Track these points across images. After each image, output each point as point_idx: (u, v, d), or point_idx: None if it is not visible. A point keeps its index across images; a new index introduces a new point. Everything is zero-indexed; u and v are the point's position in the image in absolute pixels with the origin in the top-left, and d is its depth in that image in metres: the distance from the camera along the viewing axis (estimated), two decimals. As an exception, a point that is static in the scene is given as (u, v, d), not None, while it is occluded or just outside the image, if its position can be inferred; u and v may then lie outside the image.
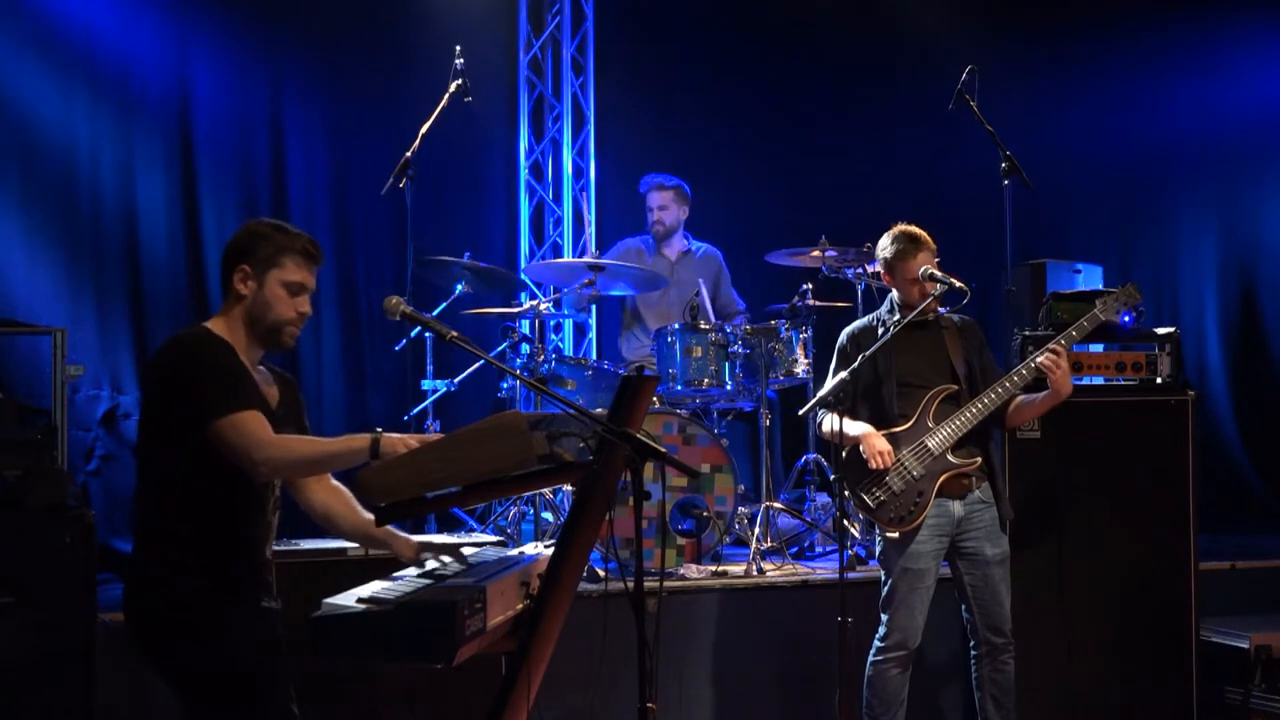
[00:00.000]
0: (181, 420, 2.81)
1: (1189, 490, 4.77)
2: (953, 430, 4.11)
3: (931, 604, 4.20)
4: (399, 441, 2.77)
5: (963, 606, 4.28)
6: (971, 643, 4.29)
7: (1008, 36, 7.37)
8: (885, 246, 4.24)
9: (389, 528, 3.10)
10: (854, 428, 4.14)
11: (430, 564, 3.04)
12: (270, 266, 2.96)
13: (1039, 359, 4.08)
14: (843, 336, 4.37)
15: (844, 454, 4.16)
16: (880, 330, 4.25)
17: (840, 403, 4.10)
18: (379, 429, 2.82)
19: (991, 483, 4.24)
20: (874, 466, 4.08)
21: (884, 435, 4.14)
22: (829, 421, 4.17)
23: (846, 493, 4.17)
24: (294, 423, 3.07)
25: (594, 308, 6.40)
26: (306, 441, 2.94)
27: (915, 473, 4.11)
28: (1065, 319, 4.79)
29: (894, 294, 4.34)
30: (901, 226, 4.25)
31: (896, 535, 4.13)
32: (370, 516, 3.07)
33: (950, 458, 4.13)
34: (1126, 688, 4.77)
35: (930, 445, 4.11)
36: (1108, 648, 4.75)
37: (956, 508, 4.17)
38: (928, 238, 4.22)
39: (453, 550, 3.09)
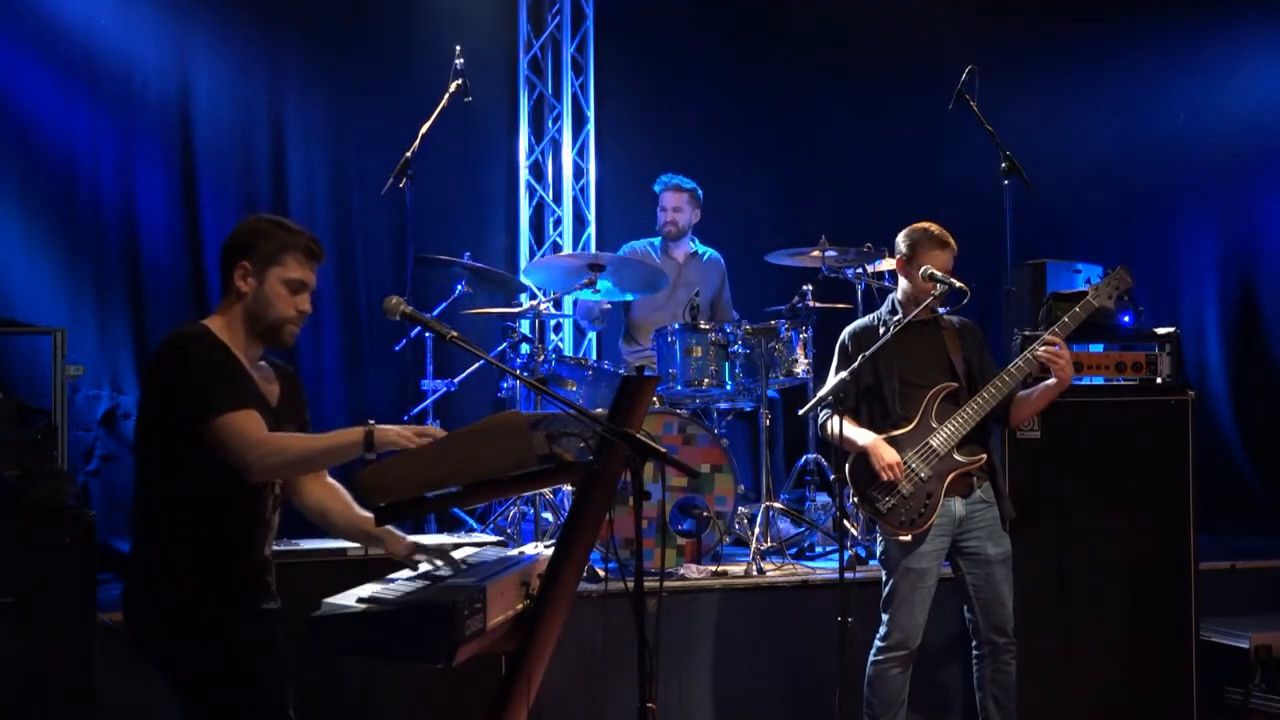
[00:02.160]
0: (177, 419, 2.80)
1: (1189, 490, 4.77)
2: (955, 428, 4.11)
3: (933, 604, 4.20)
4: (393, 433, 2.74)
5: (965, 607, 4.28)
6: (973, 643, 4.28)
7: (1008, 36, 7.37)
8: (910, 237, 4.24)
9: (385, 525, 3.09)
10: (859, 436, 4.14)
11: (424, 566, 3.02)
12: (271, 264, 2.95)
13: (1039, 351, 4.09)
14: (844, 335, 4.37)
15: (849, 461, 4.16)
16: (881, 330, 4.25)
17: (841, 402, 4.09)
18: (371, 420, 2.79)
19: (992, 482, 4.24)
20: (886, 479, 4.08)
21: (888, 439, 4.14)
22: (831, 425, 4.16)
23: (853, 498, 4.17)
24: (294, 419, 3.06)
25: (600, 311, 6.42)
26: (300, 439, 2.90)
27: (923, 474, 4.11)
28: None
29: (895, 294, 4.35)
30: (929, 224, 4.25)
31: (909, 538, 4.13)
32: (366, 514, 3.07)
33: (956, 456, 4.13)
34: (1126, 688, 4.77)
35: (934, 445, 4.11)
36: (1108, 647, 4.75)
37: (958, 507, 4.17)
38: (952, 242, 4.23)
39: (445, 553, 3.05)
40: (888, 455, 4.08)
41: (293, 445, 2.85)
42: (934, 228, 4.23)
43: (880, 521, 4.17)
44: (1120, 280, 4.25)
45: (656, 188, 6.36)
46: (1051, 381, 4.14)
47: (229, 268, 2.97)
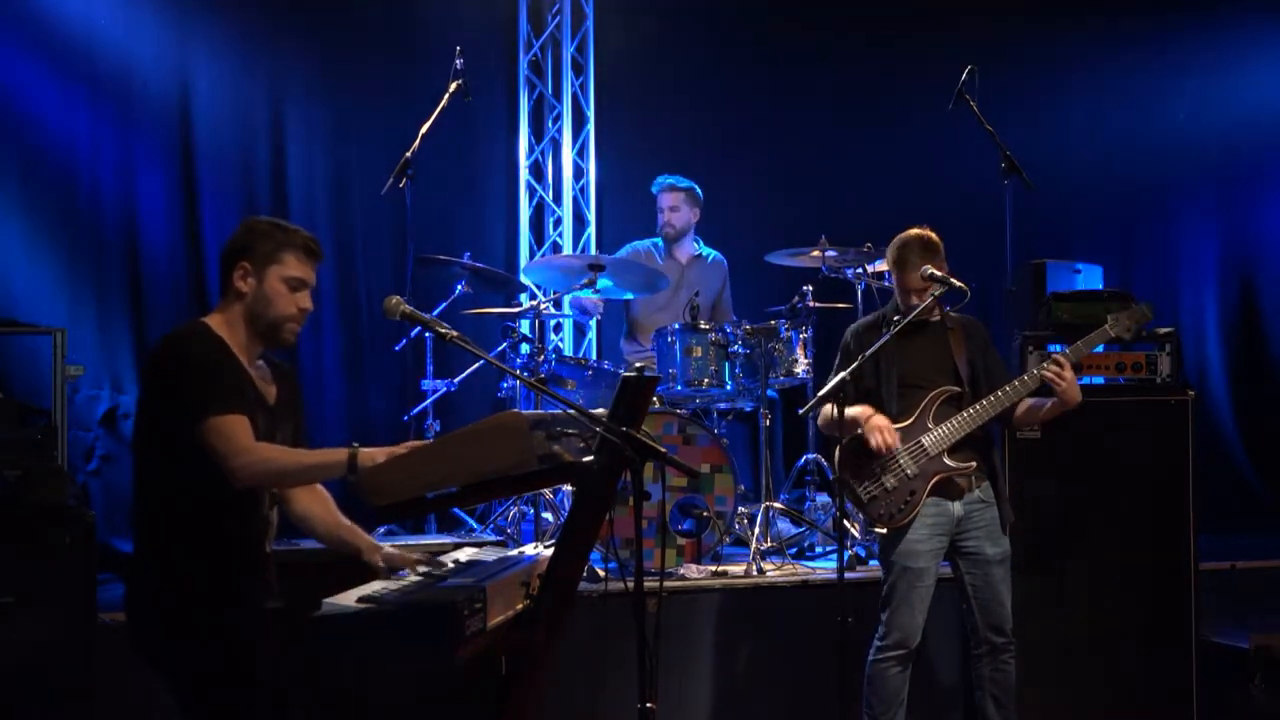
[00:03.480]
0: (172, 419, 2.81)
1: (1189, 490, 4.76)
2: (949, 431, 4.10)
3: (931, 603, 4.20)
4: (377, 455, 2.75)
5: (963, 606, 4.28)
6: (972, 642, 4.28)
7: (1008, 36, 7.37)
8: (901, 250, 4.22)
9: (363, 534, 3.08)
10: (853, 410, 4.12)
11: (411, 575, 2.95)
12: (270, 263, 2.96)
13: (1046, 371, 4.07)
14: (847, 334, 4.36)
15: (841, 444, 4.14)
16: (884, 329, 4.24)
17: (840, 402, 4.08)
18: (355, 443, 2.80)
19: (993, 484, 4.23)
20: (875, 443, 4.05)
21: (883, 427, 4.13)
22: (827, 411, 4.15)
23: (836, 482, 4.17)
24: (291, 420, 3.07)
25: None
26: (285, 452, 2.92)
27: (909, 471, 4.10)
28: (1065, 319, 4.79)
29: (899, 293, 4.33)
30: (917, 231, 4.24)
31: (885, 531, 4.14)
32: (347, 522, 3.07)
33: (946, 460, 4.12)
34: (1126, 688, 4.76)
35: (925, 444, 4.10)
36: (1108, 648, 4.75)
37: (956, 507, 4.16)
38: (939, 242, 4.21)
39: (429, 561, 3.00)
40: (881, 420, 4.08)
41: (278, 457, 2.86)
42: (925, 235, 4.20)
43: (860, 510, 4.17)
44: (1141, 316, 4.19)
45: (654, 189, 6.34)
46: (1055, 400, 4.13)
47: (228, 269, 2.98)
